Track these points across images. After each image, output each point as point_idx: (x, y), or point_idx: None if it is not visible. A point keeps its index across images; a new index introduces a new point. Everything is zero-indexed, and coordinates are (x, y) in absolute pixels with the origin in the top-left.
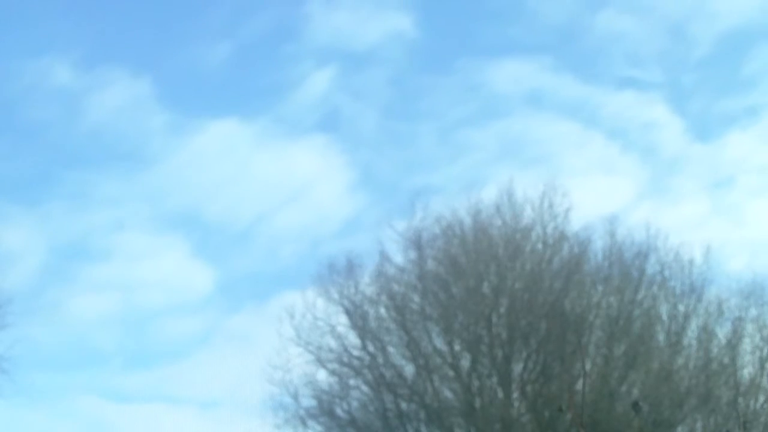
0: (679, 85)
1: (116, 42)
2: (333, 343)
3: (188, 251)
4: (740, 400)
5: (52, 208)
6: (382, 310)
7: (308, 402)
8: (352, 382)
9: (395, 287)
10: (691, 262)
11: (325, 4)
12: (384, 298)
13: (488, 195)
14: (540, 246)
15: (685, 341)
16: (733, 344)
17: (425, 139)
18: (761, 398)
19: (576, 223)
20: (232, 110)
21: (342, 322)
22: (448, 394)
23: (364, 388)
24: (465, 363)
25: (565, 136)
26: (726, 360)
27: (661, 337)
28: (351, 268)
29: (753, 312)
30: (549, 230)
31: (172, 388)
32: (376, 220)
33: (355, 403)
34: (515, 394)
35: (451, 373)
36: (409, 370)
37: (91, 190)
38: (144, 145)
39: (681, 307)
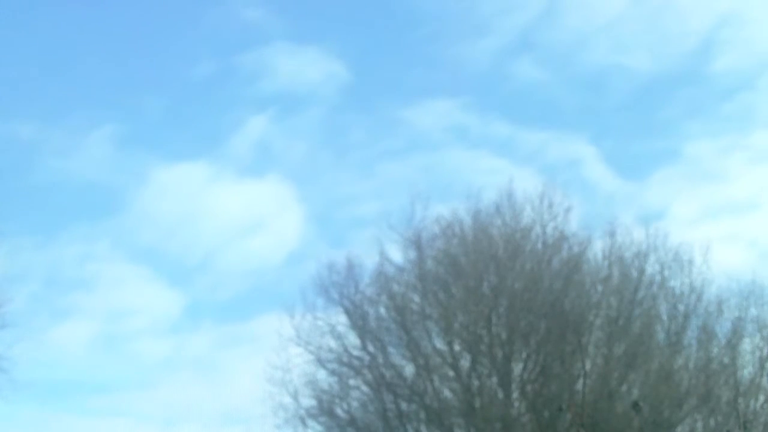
0: (599, 127)
1: (78, 91)
2: (333, 343)
3: (155, 279)
4: (740, 400)
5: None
6: (382, 310)
7: (308, 402)
8: (352, 382)
9: (395, 287)
10: (690, 262)
11: (267, 52)
12: (384, 298)
13: (488, 195)
14: (540, 246)
15: (685, 341)
16: (733, 344)
17: (354, 172)
18: (761, 398)
19: (575, 223)
20: (185, 153)
21: (342, 322)
22: (448, 394)
23: (364, 388)
24: (465, 363)
25: (491, 170)
26: (726, 360)
27: (660, 337)
28: (351, 268)
29: (753, 312)
30: (549, 230)
31: (139, 407)
32: (375, 220)
33: (355, 403)
34: (515, 394)
35: (451, 373)
36: (409, 370)
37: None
38: (108, 187)
39: (681, 307)
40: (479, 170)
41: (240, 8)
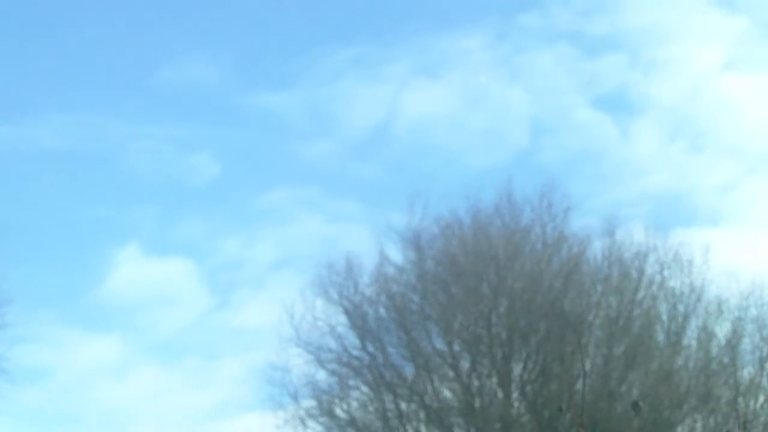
0: None
1: None
2: (333, 344)
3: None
4: (740, 400)
5: None
6: (382, 311)
7: (308, 402)
8: (351, 382)
9: (395, 287)
10: (690, 262)
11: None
12: (383, 298)
13: (487, 195)
14: (539, 246)
15: (685, 341)
16: (733, 344)
17: None
18: (761, 398)
19: (575, 223)
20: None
21: (341, 322)
22: (447, 394)
23: (364, 388)
24: (465, 363)
25: None
26: (726, 360)
27: (660, 337)
28: (350, 269)
29: (753, 312)
30: (548, 230)
31: None
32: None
33: (354, 404)
34: (515, 394)
35: (450, 373)
36: (408, 370)
37: None
38: None
39: (681, 307)
40: None
41: None
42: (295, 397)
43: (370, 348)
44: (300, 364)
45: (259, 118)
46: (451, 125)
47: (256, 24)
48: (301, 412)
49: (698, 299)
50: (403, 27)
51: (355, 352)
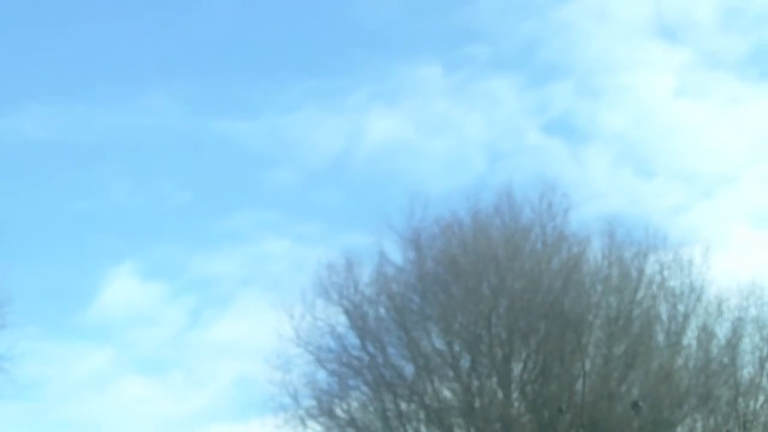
0: None
1: None
2: (332, 344)
3: None
4: (740, 400)
5: None
6: (382, 311)
7: (308, 402)
8: (351, 382)
9: (395, 287)
10: (690, 262)
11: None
12: (383, 298)
13: (487, 195)
14: (539, 246)
15: (685, 341)
16: (732, 344)
17: None
18: (761, 398)
19: (575, 223)
20: None
21: (341, 322)
22: (447, 394)
23: (364, 388)
24: (465, 363)
25: None
26: (726, 360)
27: (660, 337)
28: (350, 269)
29: (753, 312)
30: (548, 230)
31: None
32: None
33: (354, 403)
34: (515, 394)
35: (450, 373)
36: (408, 370)
37: None
38: None
39: (680, 307)
40: None
41: None
42: (295, 397)
43: (370, 348)
44: (300, 364)
45: (224, 146)
46: (410, 151)
47: (219, 55)
48: (301, 412)
49: (698, 299)
50: (361, 56)
51: (355, 352)
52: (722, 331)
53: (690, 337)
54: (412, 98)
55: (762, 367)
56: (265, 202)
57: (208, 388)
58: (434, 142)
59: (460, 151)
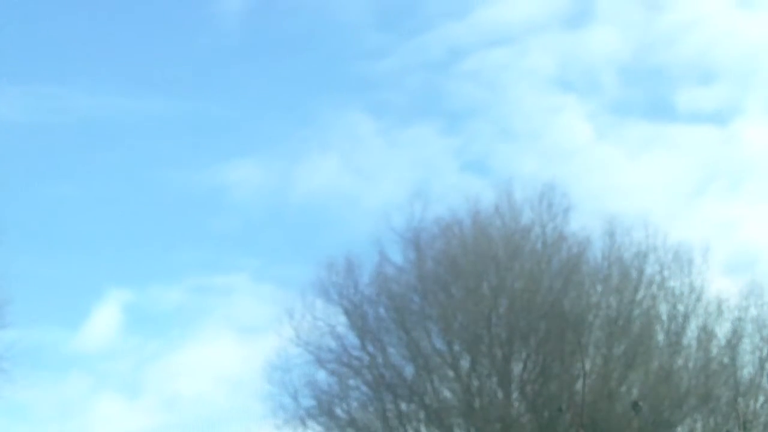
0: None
1: None
2: (332, 344)
3: None
4: (740, 400)
5: None
6: (382, 311)
7: (308, 402)
8: (351, 382)
9: (395, 287)
10: (690, 262)
11: None
12: (383, 298)
13: (487, 195)
14: (539, 246)
15: (685, 341)
16: (732, 344)
17: None
18: (761, 398)
19: (575, 223)
20: None
21: (341, 322)
22: (447, 394)
23: (364, 388)
24: (464, 363)
25: None
26: (726, 360)
27: (660, 337)
28: (350, 269)
29: (753, 312)
30: (548, 230)
31: None
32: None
33: (354, 404)
34: (515, 394)
35: (450, 373)
36: (408, 370)
37: None
38: None
39: (680, 307)
40: None
41: None
42: (295, 397)
43: (370, 348)
44: (300, 364)
45: (168, 196)
46: (341, 196)
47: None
48: (301, 412)
49: (698, 299)
50: (291, 101)
51: (355, 352)
52: (722, 331)
53: (690, 337)
54: (342, 143)
55: (762, 367)
56: (210, 242)
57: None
58: (364, 185)
59: (389, 193)
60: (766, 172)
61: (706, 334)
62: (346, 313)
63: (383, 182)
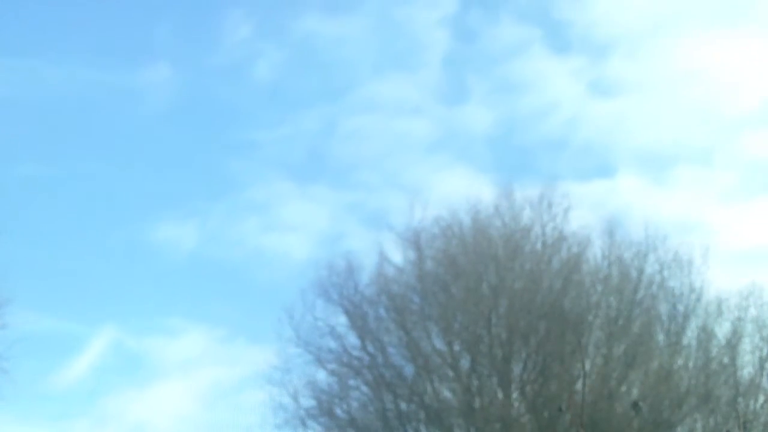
0: None
1: None
2: (333, 344)
3: None
4: (740, 400)
5: None
6: (382, 311)
7: (308, 402)
8: (351, 382)
9: (394, 288)
10: (690, 262)
11: None
12: (383, 298)
13: (487, 195)
14: (539, 246)
15: (685, 341)
16: (732, 344)
17: None
18: (761, 398)
19: (575, 223)
20: None
21: (341, 322)
22: (447, 394)
23: (364, 388)
24: (464, 363)
25: None
26: (726, 360)
27: (660, 337)
28: (350, 269)
29: (753, 312)
30: (548, 230)
31: None
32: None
33: (354, 404)
34: (515, 394)
35: (450, 373)
36: (408, 370)
37: None
38: None
39: (680, 307)
40: None
41: None
42: (295, 397)
43: (370, 348)
44: (300, 364)
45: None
46: (254, 251)
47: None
48: (301, 412)
49: (698, 299)
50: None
51: (355, 352)
52: (722, 331)
53: (690, 337)
54: (254, 193)
55: (762, 367)
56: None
57: None
58: (274, 238)
59: (302, 250)
60: None
61: (706, 334)
62: (346, 313)
63: (301, 236)
